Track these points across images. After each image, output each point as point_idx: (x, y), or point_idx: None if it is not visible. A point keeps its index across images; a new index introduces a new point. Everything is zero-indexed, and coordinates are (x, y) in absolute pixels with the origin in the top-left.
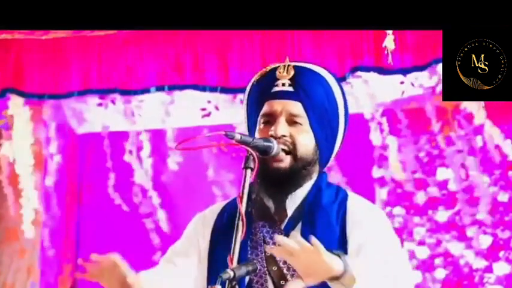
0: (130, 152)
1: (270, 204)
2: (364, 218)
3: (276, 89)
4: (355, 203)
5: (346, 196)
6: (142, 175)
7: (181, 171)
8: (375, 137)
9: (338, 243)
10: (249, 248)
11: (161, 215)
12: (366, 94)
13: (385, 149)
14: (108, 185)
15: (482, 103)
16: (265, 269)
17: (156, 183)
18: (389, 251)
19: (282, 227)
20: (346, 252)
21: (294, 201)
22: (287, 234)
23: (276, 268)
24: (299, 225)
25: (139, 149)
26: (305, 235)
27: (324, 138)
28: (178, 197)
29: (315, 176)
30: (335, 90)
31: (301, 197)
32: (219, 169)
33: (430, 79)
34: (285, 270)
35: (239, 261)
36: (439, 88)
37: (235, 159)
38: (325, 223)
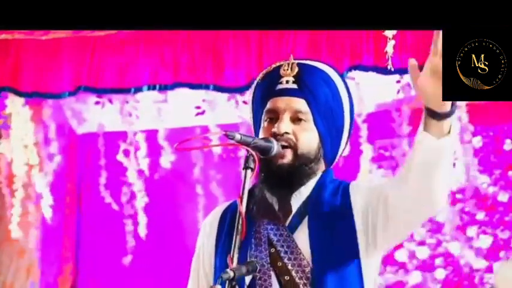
0: (125, 151)
1: (274, 202)
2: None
3: (279, 86)
4: (357, 183)
5: (348, 185)
6: (133, 175)
7: (171, 170)
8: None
9: (343, 232)
10: (253, 246)
11: (141, 219)
12: (355, 97)
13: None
14: (100, 183)
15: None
16: (269, 265)
17: (146, 184)
18: None
19: (287, 223)
20: (353, 225)
21: (299, 198)
22: (291, 231)
23: (280, 264)
24: (305, 221)
25: (136, 149)
26: (312, 230)
27: (328, 136)
28: (163, 197)
29: (319, 173)
30: (340, 88)
31: (305, 194)
32: (206, 169)
33: None
34: (289, 266)
35: (245, 259)
36: None
37: (226, 159)
38: (331, 215)
